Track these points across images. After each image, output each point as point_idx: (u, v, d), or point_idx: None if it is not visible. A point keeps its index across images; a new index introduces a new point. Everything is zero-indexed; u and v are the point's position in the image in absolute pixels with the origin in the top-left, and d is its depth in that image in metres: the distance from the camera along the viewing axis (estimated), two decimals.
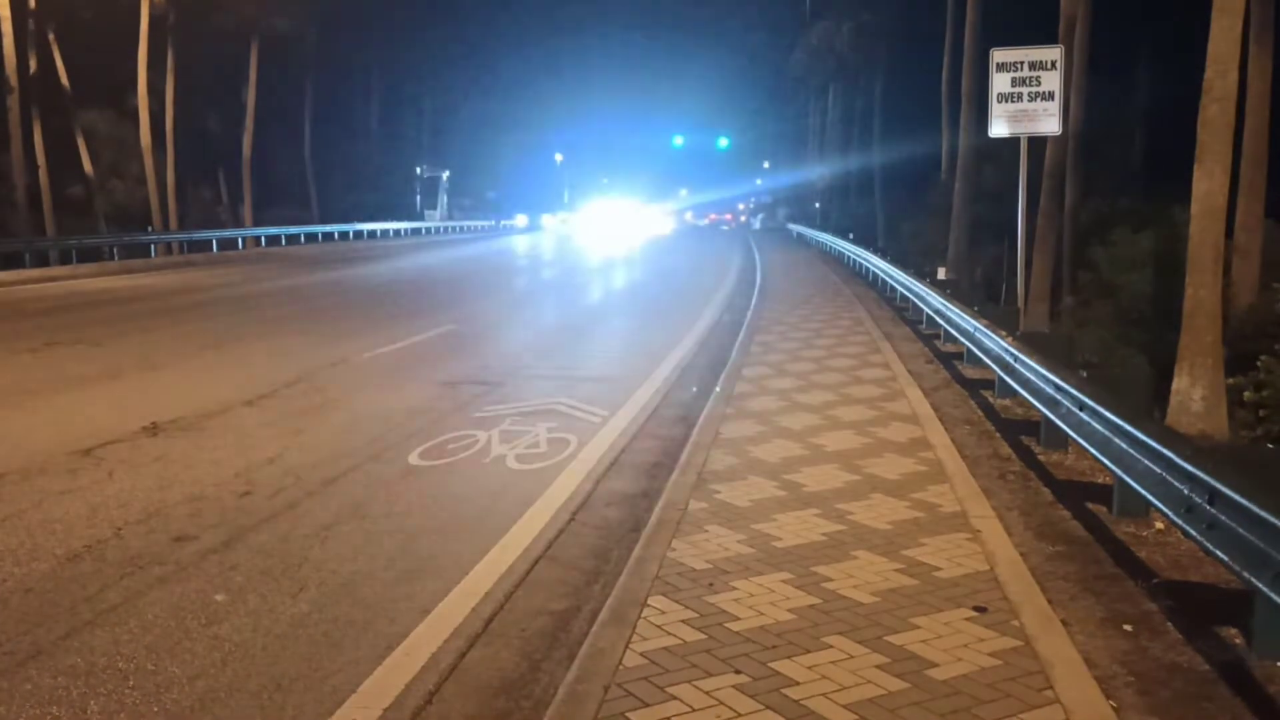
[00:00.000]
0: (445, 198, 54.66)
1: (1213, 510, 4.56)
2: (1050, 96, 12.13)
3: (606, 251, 41.13)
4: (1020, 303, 14.02)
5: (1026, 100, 12.13)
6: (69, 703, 4.06)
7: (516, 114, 77.85)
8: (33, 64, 33.78)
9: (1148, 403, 8.64)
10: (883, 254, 25.20)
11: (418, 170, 54.68)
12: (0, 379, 11.20)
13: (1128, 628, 4.74)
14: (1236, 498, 4.30)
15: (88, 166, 36.60)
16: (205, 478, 7.26)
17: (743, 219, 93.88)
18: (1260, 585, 4.14)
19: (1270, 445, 8.80)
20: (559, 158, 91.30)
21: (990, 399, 10.41)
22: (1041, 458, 8.05)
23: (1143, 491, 5.62)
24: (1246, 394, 10.22)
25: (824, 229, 46.38)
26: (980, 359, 11.14)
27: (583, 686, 4.06)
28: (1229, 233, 12.51)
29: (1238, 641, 4.60)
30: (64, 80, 35.38)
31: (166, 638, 4.67)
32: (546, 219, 70.25)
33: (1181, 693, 4.12)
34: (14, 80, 32.03)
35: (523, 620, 4.99)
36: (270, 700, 4.12)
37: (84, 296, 21.26)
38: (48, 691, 4.14)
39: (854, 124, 53.43)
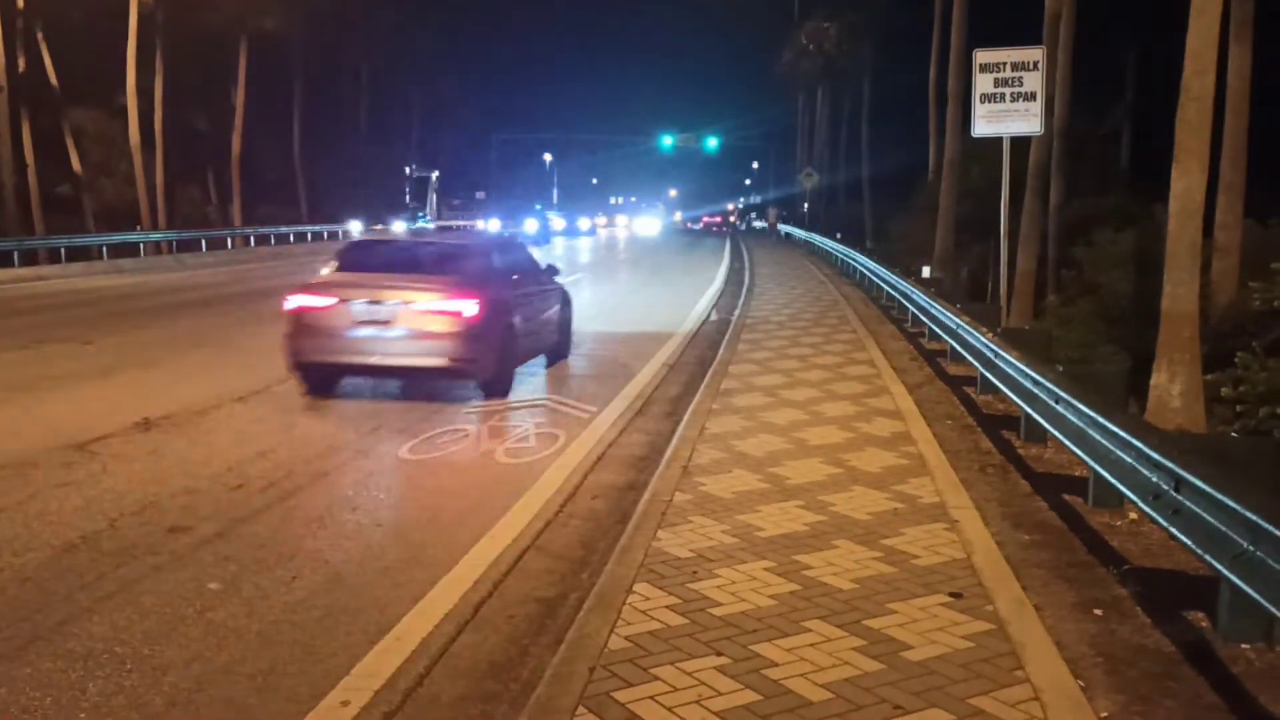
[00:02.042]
0: (435, 197, 54.61)
1: (1178, 497, 4.71)
2: (1032, 97, 12.32)
3: None
4: (1003, 300, 14.20)
5: (1009, 100, 12.31)
6: (68, 685, 4.16)
7: (506, 114, 78.04)
8: (21, 63, 33.78)
9: (1123, 397, 8.81)
10: (870, 253, 25.39)
11: (407, 170, 54.67)
12: None
13: (1098, 612, 4.88)
14: (1199, 484, 4.45)
15: (76, 166, 36.63)
16: (198, 471, 7.36)
17: (733, 219, 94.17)
18: (1221, 568, 4.29)
19: (1234, 434, 8.96)
20: (548, 158, 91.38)
21: (973, 395, 10.57)
22: (1021, 451, 8.20)
23: (1113, 481, 5.77)
24: (1224, 390, 10.38)
25: (813, 229, 46.58)
26: (963, 355, 11.30)
27: (568, 668, 4.19)
28: (1209, 231, 12.70)
29: (1204, 625, 4.75)
30: (52, 79, 35.38)
31: (162, 624, 4.78)
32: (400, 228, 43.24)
33: (1147, 672, 4.26)
34: (2, 79, 32.03)
35: (511, 607, 5.11)
36: (265, 682, 4.24)
37: (74, 295, 21.29)
38: (47, 675, 4.24)
39: (842, 124, 53.77)
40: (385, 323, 9.53)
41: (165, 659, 4.43)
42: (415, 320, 9.51)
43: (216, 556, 5.68)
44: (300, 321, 9.85)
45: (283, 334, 10.03)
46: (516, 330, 10.46)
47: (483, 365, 9.83)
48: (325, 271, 10.74)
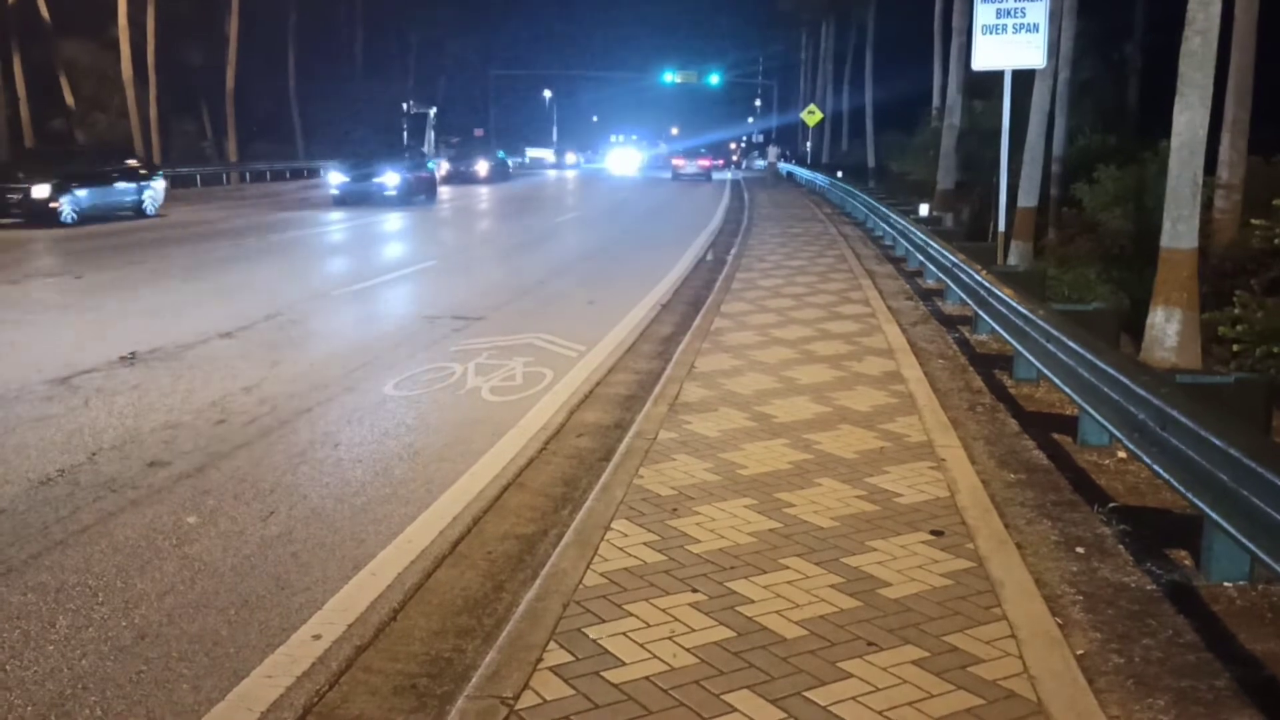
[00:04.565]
0: (433, 135, 53.90)
1: (1163, 434, 4.64)
2: (1035, 29, 12.01)
3: None
4: (1000, 239, 14.03)
5: (1011, 32, 12.01)
6: (38, 617, 4.13)
7: (505, 49, 76.74)
8: None
9: (1115, 336, 8.71)
10: (872, 192, 25.14)
11: (404, 106, 53.83)
12: None
13: (1080, 550, 4.84)
14: (1184, 420, 4.37)
15: (69, 99, 36.10)
16: (181, 406, 7.30)
17: (735, 159, 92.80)
18: (1204, 506, 4.23)
19: (1217, 371, 8.87)
20: (548, 94, 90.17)
21: (967, 334, 10.48)
22: (1013, 390, 8.14)
23: (1100, 419, 5.70)
24: (1222, 329, 10.27)
25: (815, 168, 46.11)
26: (958, 294, 11.18)
27: (542, 604, 4.15)
28: (1212, 169, 12.49)
29: (1188, 563, 4.71)
30: (43, 10, 34.73)
31: (137, 557, 4.75)
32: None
33: (1126, 610, 4.22)
34: None
35: (490, 543, 5.07)
36: (237, 615, 4.21)
37: (66, 230, 21.08)
38: (17, 607, 4.21)
39: (847, 61, 52.91)
40: (694, 165, 53.22)
41: (137, 592, 4.39)
42: (698, 165, 53.34)
43: (195, 491, 5.64)
44: (674, 165, 53.97)
45: (671, 170, 53.99)
46: (713, 171, 55.24)
47: (708, 177, 52.17)
48: (675, 158, 56.63)
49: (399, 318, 11.11)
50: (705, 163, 54.36)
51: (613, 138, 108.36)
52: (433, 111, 53.08)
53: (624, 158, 71.62)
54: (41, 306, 11.55)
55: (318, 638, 4.03)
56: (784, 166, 57.28)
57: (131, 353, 8.87)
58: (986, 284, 9.31)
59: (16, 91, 33.28)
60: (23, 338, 9.65)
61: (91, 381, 7.93)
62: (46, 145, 33.10)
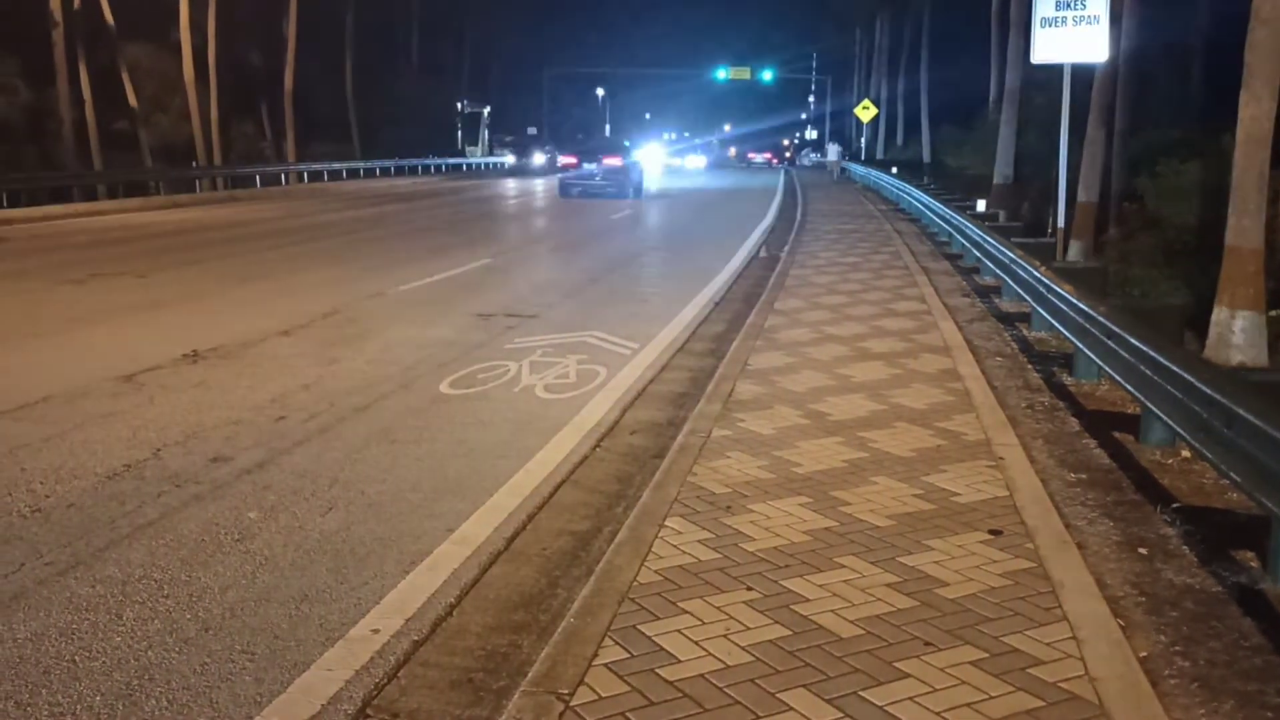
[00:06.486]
0: (486, 133, 54.39)
1: (1229, 433, 4.54)
2: (1095, 20, 11.79)
3: None
4: (1059, 235, 13.82)
5: (1071, 25, 11.80)
6: (106, 609, 4.23)
7: (558, 47, 77.15)
8: None
9: (1179, 333, 8.54)
10: (926, 188, 24.89)
11: (459, 105, 54.34)
12: (47, 309, 11.48)
13: (1143, 551, 4.75)
14: (1252, 419, 4.27)
15: (133, 101, 36.84)
16: (242, 403, 7.43)
17: (788, 155, 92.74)
18: (1273, 506, 4.13)
19: None
20: (600, 92, 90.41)
21: (1025, 332, 10.33)
22: (1072, 389, 8.00)
23: (1164, 417, 5.59)
24: None
25: (869, 164, 45.77)
26: (1016, 291, 11.03)
27: (597, 600, 4.16)
28: (1277, 162, 12.16)
29: (1254, 565, 4.60)
30: (107, 14, 35.51)
31: (200, 551, 4.84)
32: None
33: (1191, 612, 4.14)
34: (58, 15, 32.24)
35: (544, 540, 5.10)
36: (297, 610, 4.28)
37: (129, 230, 21.58)
38: (86, 599, 4.32)
39: (901, 56, 52.43)
40: (761, 157, 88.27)
41: (201, 585, 4.48)
42: (764, 157, 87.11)
43: (256, 486, 5.74)
44: (748, 157, 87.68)
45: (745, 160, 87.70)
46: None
47: (769, 165, 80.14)
48: (749, 153, 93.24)
49: (454, 315, 11.18)
50: (768, 155, 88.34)
51: (665, 135, 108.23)
52: (486, 111, 53.48)
53: (645, 158, 53.36)
54: None
55: (376, 632, 4.09)
56: (840, 163, 56.88)
57: (193, 351, 9.05)
58: (1045, 280, 9.17)
59: (82, 94, 34.05)
60: None
61: (156, 378, 8.09)
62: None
